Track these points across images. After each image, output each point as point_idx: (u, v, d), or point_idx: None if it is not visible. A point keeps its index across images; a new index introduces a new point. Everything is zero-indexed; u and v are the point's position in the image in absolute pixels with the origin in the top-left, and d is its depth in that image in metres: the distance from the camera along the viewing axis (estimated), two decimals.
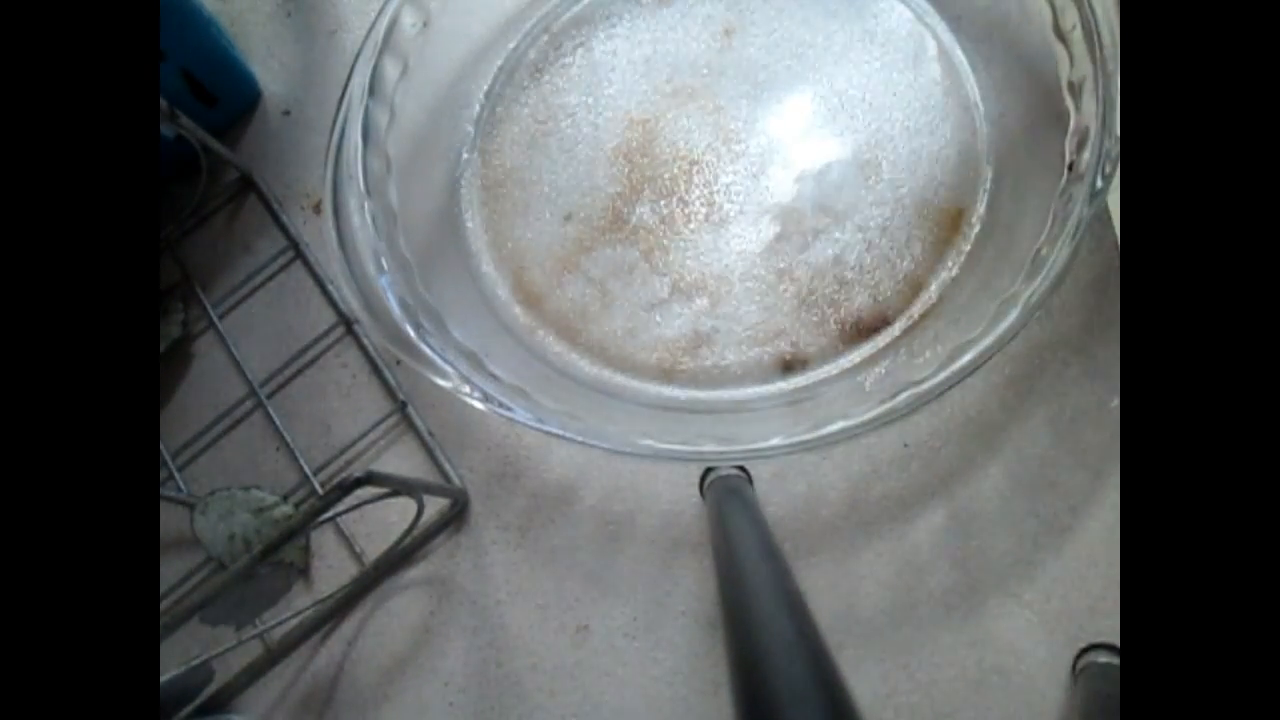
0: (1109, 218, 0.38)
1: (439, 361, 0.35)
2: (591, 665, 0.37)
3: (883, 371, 0.37)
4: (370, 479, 0.30)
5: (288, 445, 0.42)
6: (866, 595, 0.36)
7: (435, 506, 0.39)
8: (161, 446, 0.43)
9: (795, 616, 0.26)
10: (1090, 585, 0.35)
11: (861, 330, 0.38)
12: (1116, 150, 0.32)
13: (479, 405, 0.34)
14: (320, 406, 0.43)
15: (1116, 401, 0.37)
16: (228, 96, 0.47)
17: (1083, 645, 0.34)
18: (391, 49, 0.40)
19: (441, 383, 0.34)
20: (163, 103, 0.39)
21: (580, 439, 0.33)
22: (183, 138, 0.41)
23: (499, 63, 0.45)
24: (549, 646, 0.38)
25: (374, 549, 0.40)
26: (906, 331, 0.38)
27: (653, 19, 0.44)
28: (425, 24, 0.41)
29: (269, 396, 0.43)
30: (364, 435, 0.42)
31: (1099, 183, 0.32)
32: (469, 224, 0.43)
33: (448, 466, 0.40)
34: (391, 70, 0.40)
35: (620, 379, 0.39)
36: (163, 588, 0.41)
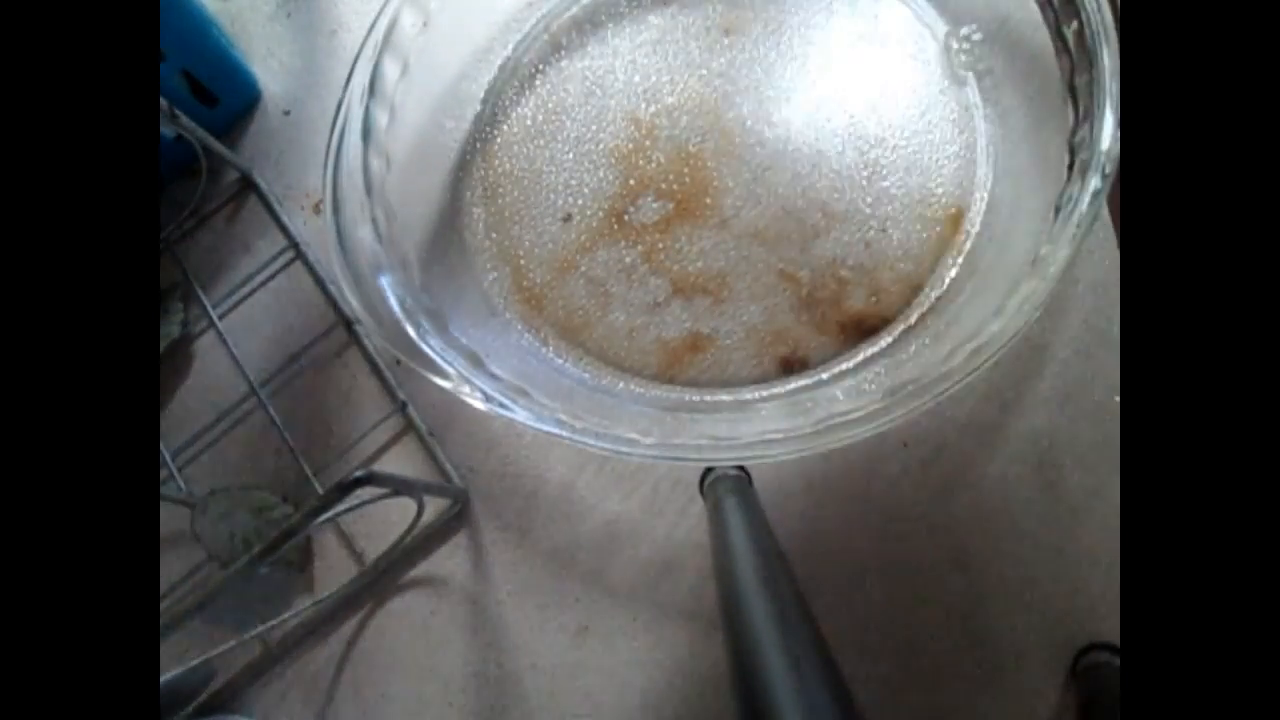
0: (1109, 218, 0.38)
1: (439, 361, 0.35)
2: (591, 665, 0.37)
3: (883, 371, 0.37)
4: (370, 479, 0.30)
5: (288, 445, 0.42)
6: (867, 595, 0.36)
7: (435, 506, 0.39)
8: (161, 446, 0.43)
9: (795, 616, 0.26)
10: (1090, 585, 0.35)
11: (861, 330, 0.38)
12: (1116, 150, 0.32)
13: (479, 405, 0.34)
14: (320, 406, 0.43)
15: (1116, 401, 0.37)
16: (228, 96, 0.47)
17: (1083, 645, 0.34)
18: (391, 49, 0.40)
19: (441, 383, 0.34)
20: (163, 103, 0.39)
21: (580, 439, 0.33)
22: (183, 138, 0.41)
23: (499, 63, 0.45)
24: (549, 646, 0.38)
25: (374, 549, 0.40)
26: (906, 331, 0.38)
27: (653, 19, 0.44)
28: (425, 24, 0.41)
29: (269, 397, 0.43)
30: (364, 435, 0.42)
31: (1099, 183, 0.32)
32: (469, 224, 0.43)
33: (448, 466, 0.40)
34: (391, 70, 0.40)
35: (620, 379, 0.39)
36: (163, 588, 0.41)
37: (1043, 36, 0.37)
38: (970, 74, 0.40)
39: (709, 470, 0.38)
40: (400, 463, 0.41)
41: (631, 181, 0.42)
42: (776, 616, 0.26)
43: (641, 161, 0.42)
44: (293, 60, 0.49)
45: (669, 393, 0.39)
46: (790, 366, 0.38)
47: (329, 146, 0.38)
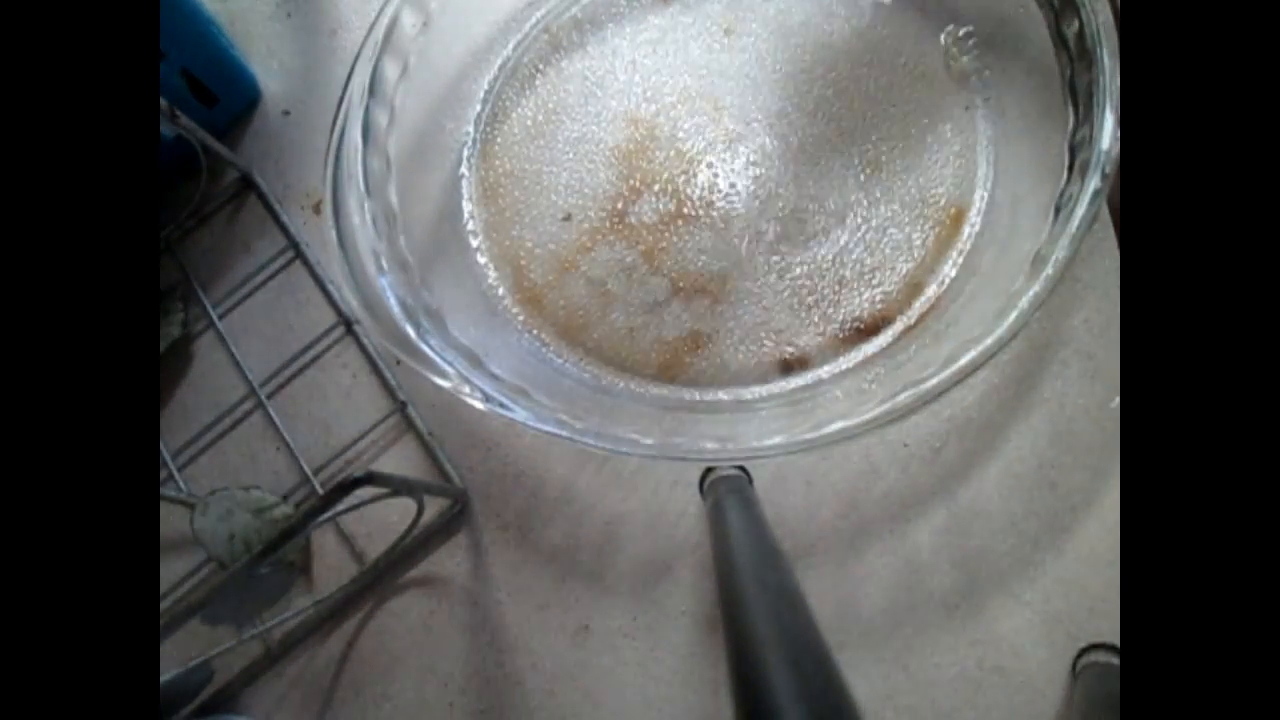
0: (1109, 218, 0.38)
1: (439, 361, 0.35)
2: (591, 665, 0.37)
3: (883, 371, 0.37)
4: (370, 479, 0.30)
5: (288, 445, 0.42)
6: (866, 595, 0.36)
7: (435, 506, 0.39)
8: (161, 446, 0.43)
9: (795, 616, 0.26)
10: (1090, 585, 0.35)
11: (861, 330, 0.38)
12: (1116, 150, 0.32)
13: (479, 405, 0.34)
14: (320, 406, 0.43)
15: (1116, 401, 0.37)
16: (228, 96, 0.47)
17: (1083, 645, 0.34)
18: (391, 49, 0.40)
19: (441, 383, 0.34)
20: (163, 103, 0.39)
21: (580, 439, 0.33)
22: (183, 138, 0.41)
23: (499, 63, 0.45)
24: (549, 646, 0.38)
25: (374, 549, 0.40)
26: (906, 331, 0.38)
27: (653, 19, 0.44)
28: (425, 24, 0.41)
29: (269, 396, 0.43)
30: (364, 435, 0.42)
31: (1099, 183, 0.32)
32: (469, 224, 0.43)
33: (448, 466, 0.40)
34: (391, 70, 0.40)
35: (620, 379, 0.39)
36: (163, 588, 0.41)
37: (1043, 36, 0.37)
38: (970, 74, 0.40)
39: (709, 470, 0.38)
40: (400, 463, 0.41)
41: (631, 181, 0.42)
42: (776, 616, 0.26)
43: (641, 161, 0.42)
44: (293, 60, 0.49)
45: (669, 393, 0.39)
46: (790, 366, 0.38)
47: (329, 146, 0.38)
